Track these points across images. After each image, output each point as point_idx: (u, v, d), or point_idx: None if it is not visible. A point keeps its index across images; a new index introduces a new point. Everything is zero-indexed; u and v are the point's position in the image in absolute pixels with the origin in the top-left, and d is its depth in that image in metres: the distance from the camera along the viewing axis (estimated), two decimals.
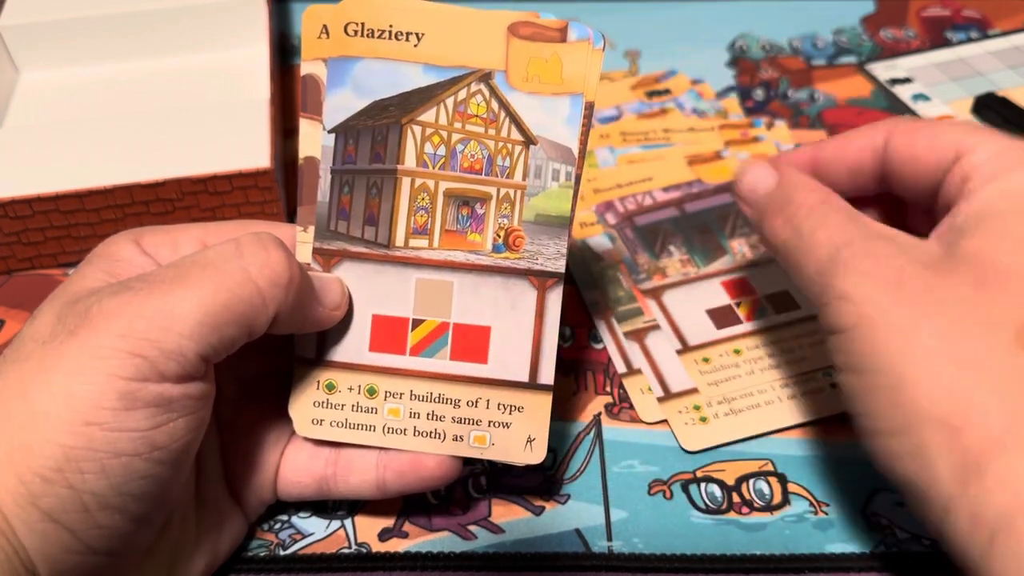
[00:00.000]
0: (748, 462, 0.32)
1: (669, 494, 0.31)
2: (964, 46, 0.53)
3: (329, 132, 0.27)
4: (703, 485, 0.32)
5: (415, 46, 0.27)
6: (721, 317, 0.37)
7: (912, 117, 0.28)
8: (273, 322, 0.25)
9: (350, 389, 0.28)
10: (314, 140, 0.28)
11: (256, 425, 0.29)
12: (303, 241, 0.28)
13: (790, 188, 0.28)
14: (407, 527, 0.30)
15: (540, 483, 0.32)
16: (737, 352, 0.35)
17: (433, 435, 0.28)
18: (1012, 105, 0.46)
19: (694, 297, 0.38)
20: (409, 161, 0.27)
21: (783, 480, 0.32)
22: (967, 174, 0.25)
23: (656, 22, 0.55)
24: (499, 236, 0.28)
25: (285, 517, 0.31)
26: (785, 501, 0.31)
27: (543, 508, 0.31)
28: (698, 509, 0.31)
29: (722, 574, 0.29)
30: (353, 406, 0.28)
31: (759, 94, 0.50)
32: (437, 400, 0.28)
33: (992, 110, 0.46)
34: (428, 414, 0.28)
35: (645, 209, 0.42)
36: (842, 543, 0.30)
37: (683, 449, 0.32)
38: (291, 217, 0.43)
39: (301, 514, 0.31)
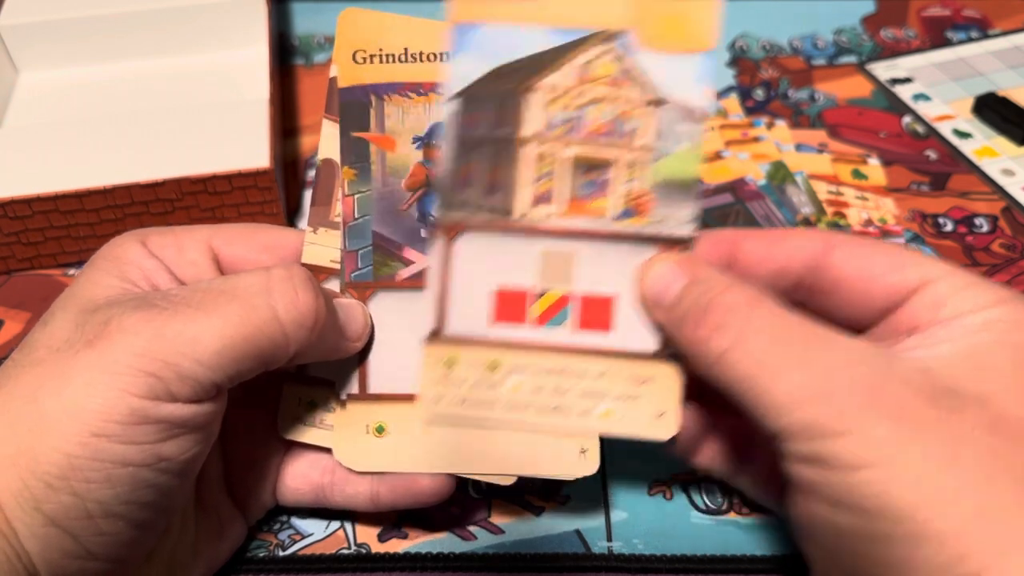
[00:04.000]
0: None
1: (669, 494, 0.31)
2: (964, 46, 0.53)
3: (451, 99, 0.25)
4: (703, 485, 0.32)
5: (539, 7, 0.25)
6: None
7: (847, 234, 0.27)
8: (292, 357, 0.25)
9: (471, 365, 0.26)
10: (336, 142, 0.28)
11: (258, 431, 0.29)
12: (311, 242, 0.28)
13: (707, 289, 0.23)
14: (407, 527, 0.30)
15: (540, 484, 0.32)
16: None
17: (557, 411, 0.26)
18: (1012, 105, 0.46)
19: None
20: (531, 127, 0.25)
21: None
22: (940, 300, 0.23)
23: None
24: (625, 201, 0.26)
25: (285, 517, 0.31)
26: None
27: (543, 508, 0.31)
28: (698, 509, 0.31)
29: (722, 574, 0.29)
30: (474, 383, 0.26)
31: (759, 94, 0.50)
32: (561, 373, 0.26)
33: (992, 110, 0.46)
34: (553, 388, 0.26)
35: None
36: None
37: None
38: (291, 217, 0.43)
39: (300, 514, 0.31)
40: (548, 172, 0.26)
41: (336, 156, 0.29)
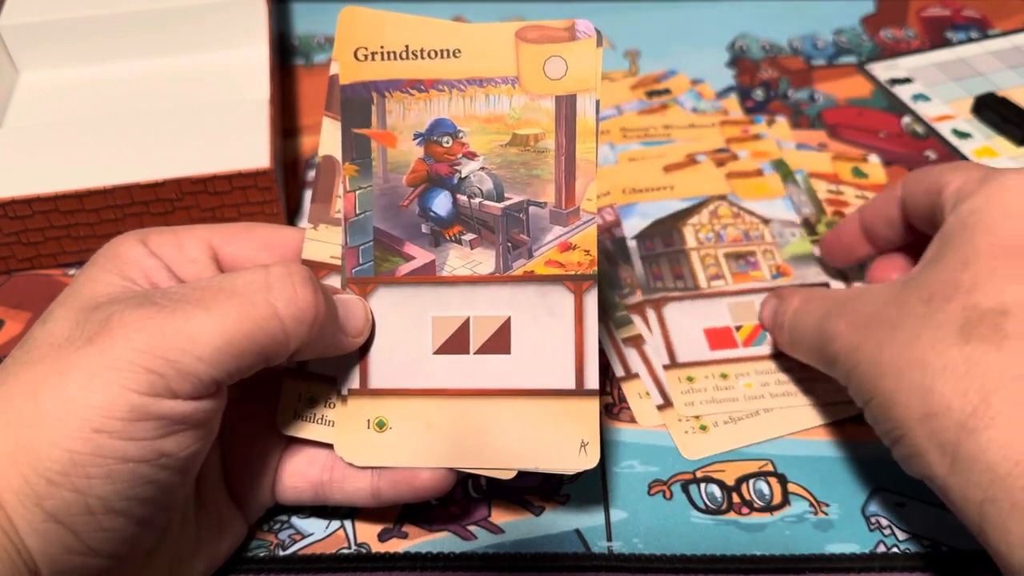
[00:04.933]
0: (748, 462, 0.32)
1: (669, 494, 0.31)
2: (964, 46, 0.53)
3: (632, 239, 0.41)
4: (703, 485, 0.32)
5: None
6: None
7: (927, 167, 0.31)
8: (292, 353, 0.25)
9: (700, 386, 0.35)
10: (336, 139, 0.29)
11: (257, 428, 0.29)
12: (311, 238, 0.28)
13: (782, 304, 0.33)
14: (407, 527, 0.30)
15: (540, 483, 0.32)
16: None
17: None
18: (1012, 105, 0.46)
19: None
20: (690, 243, 0.41)
21: (783, 480, 0.32)
22: (941, 206, 0.28)
23: (656, 22, 0.55)
24: (772, 269, 0.39)
25: (285, 517, 0.31)
26: (785, 501, 0.31)
27: (543, 508, 0.31)
28: (698, 509, 0.31)
29: (722, 574, 0.29)
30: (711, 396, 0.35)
31: (759, 94, 0.50)
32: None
33: (992, 110, 0.46)
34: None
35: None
36: (842, 543, 0.30)
37: (683, 457, 0.33)
38: (291, 217, 0.43)
39: (301, 514, 0.31)
40: (713, 263, 0.40)
41: (337, 153, 0.29)
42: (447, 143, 0.29)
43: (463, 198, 0.29)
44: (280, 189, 0.40)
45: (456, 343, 0.28)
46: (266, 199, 0.39)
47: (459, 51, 0.28)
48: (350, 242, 0.29)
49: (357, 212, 0.29)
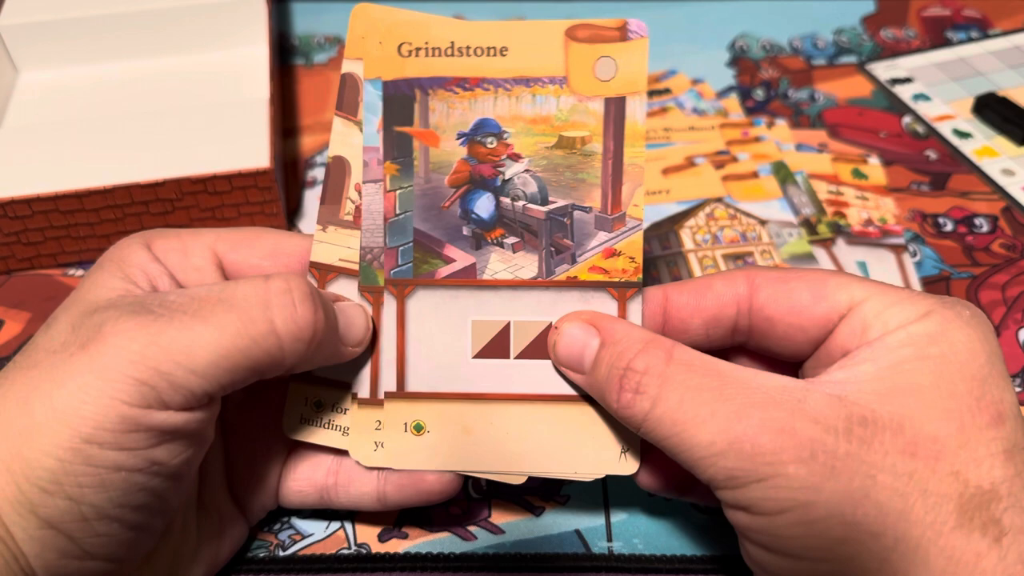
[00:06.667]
0: None
1: None
2: (964, 46, 0.53)
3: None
4: None
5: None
6: None
7: (768, 267, 0.27)
8: (288, 368, 0.25)
9: None
10: (346, 139, 0.28)
11: (260, 430, 0.29)
12: (320, 240, 0.28)
13: (622, 352, 0.24)
14: (407, 528, 0.30)
15: (540, 483, 0.32)
16: None
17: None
18: (1012, 105, 0.46)
19: None
20: (687, 245, 0.41)
21: None
22: (866, 322, 0.24)
23: (656, 22, 0.55)
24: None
25: (285, 518, 0.31)
26: None
27: (543, 508, 0.31)
28: (698, 509, 0.31)
29: (722, 574, 0.29)
30: None
31: (759, 94, 0.50)
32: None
33: (992, 110, 0.46)
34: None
35: None
36: None
37: None
38: (291, 217, 0.43)
39: (301, 515, 0.31)
40: (711, 264, 0.40)
41: (347, 154, 0.28)
42: (491, 144, 0.28)
43: (506, 200, 0.28)
44: (280, 189, 0.40)
45: (496, 348, 0.28)
46: (266, 199, 0.39)
47: (506, 49, 0.28)
48: (390, 243, 0.28)
49: (397, 212, 0.28)
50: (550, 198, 0.28)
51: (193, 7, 0.47)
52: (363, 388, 0.28)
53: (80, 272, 0.41)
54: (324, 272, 0.28)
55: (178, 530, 0.26)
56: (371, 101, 0.28)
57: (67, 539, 0.22)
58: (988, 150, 0.45)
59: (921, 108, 0.48)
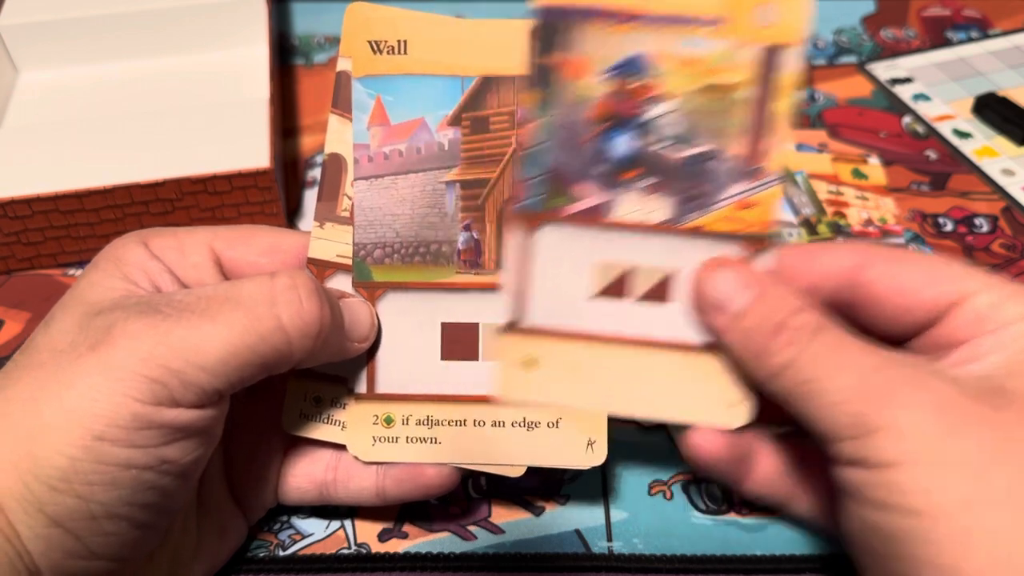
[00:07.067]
0: None
1: (669, 494, 0.31)
2: (964, 46, 0.53)
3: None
4: (703, 485, 0.32)
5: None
6: None
7: (883, 248, 0.27)
8: (295, 363, 0.25)
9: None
10: (342, 137, 0.28)
11: (259, 427, 0.29)
12: (317, 237, 0.28)
13: (777, 308, 0.24)
14: (407, 527, 0.30)
15: (540, 483, 0.32)
16: None
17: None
18: (1012, 105, 0.46)
19: None
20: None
21: None
22: (982, 314, 0.24)
23: None
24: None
25: (285, 517, 0.31)
26: None
27: (543, 508, 0.31)
28: (698, 509, 0.31)
29: (722, 574, 0.29)
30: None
31: None
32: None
33: (992, 110, 0.46)
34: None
35: None
36: (842, 543, 0.30)
37: None
38: (291, 217, 0.43)
39: (300, 514, 0.31)
40: None
41: (343, 151, 0.28)
42: (638, 81, 0.27)
43: (646, 141, 0.27)
44: (280, 189, 0.40)
45: (617, 289, 0.27)
46: (266, 199, 0.39)
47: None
48: (524, 173, 0.27)
49: (535, 142, 0.27)
50: (691, 143, 0.27)
51: (193, 7, 0.47)
52: (360, 384, 0.28)
53: (80, 272, 0.41)
54: (322, 268, 0.28)
55: (179, 529, 0.26)
56: (360, 99, 0.28)
57: (73, 538, 0.22)
58: (988, 150, 0.45)
59: (921, 108, 0.48)
